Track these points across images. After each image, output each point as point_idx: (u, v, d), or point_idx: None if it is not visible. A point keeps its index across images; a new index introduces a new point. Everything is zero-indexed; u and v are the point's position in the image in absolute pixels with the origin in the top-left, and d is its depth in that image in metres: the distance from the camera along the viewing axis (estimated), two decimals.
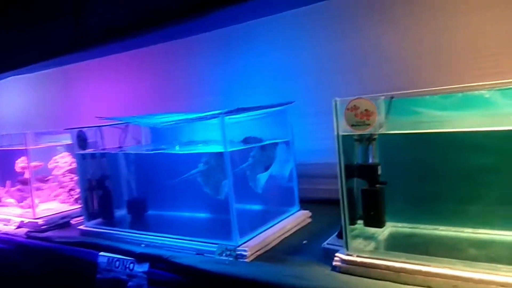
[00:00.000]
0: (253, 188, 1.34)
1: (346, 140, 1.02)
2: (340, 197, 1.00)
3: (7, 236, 1.66)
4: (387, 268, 0.92)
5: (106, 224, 1.55)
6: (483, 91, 0.99)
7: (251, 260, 1.14)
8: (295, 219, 1.39)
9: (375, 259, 0.95)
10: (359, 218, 1.07)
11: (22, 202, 1.92)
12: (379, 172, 1.04)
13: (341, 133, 0.98)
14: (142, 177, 1.62)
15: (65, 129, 1.55)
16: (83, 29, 1.64)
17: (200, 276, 1.11)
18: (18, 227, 1.73)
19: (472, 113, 1.04)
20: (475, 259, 0.91)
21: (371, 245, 1.04)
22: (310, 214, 1.45)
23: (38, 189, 1.93)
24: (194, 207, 1.51)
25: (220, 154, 1.16)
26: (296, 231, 1.36)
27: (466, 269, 0.84)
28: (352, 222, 1.04)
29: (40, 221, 1.68)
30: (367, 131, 0.95)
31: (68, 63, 2.22)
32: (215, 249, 1.19)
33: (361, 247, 1.02)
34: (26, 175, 1.89)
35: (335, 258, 1.00)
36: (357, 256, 0.97)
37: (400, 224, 1.16)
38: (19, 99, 2.92)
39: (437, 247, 1.01)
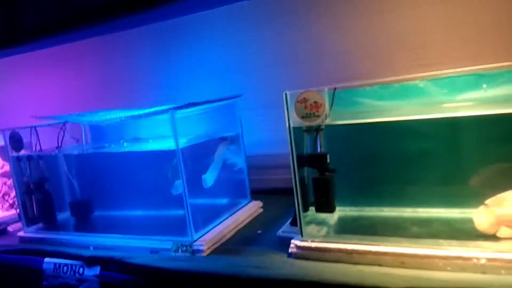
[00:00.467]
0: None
1: (296, 132, 1.06)
2: (294, 185, 1.03)
3: None
4: (340, 250, 0.97)
5: (48, 228, 1.47)
6: (417, 81, 1.08)
7: (208, 254, 1.14)
8: (248, 210, 1.41)
9: (328, 242, 1.00)
10: (311, 205, 1.12)
11: None
12: (328, 160, 1.08)
13: (292, 125, 1.01)
14: (85, 177, 1.55)
15: None
16: (16, 25, 1.52)
17: (156, 275, 1.09)
18: None
19: (409, 102, 1.12)
20: (418, 236, 0.99)
21: (324, 230, 1.09)
22: (261, 204, 1.48)
23: None
24: (143, 205, 1.47)
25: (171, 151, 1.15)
26: (249, 222, 1.38)
27: (411, 246, 0.91)
28: (305, 209, 1.08)
29: None
30: (316, 122, 0.99)
31: None
32: (170, 246, 1.17)
33: (314, 232, 1.07)
34: None
35: (291, 245, 1.04)
36: (312, 242, 1.01)
37: (348, 208, 1.22)
38: None
39: (383, 227, 1.08)
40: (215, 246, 1.18)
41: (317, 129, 1.12)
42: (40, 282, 1.26)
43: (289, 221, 1.20)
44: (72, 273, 1.22)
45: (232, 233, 1.28)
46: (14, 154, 1.45)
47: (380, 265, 0.94)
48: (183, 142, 1.16)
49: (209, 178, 1.31)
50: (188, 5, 1.63)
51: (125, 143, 1.49)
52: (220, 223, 1.29)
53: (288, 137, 1.02)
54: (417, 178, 1.15)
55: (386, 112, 1.12)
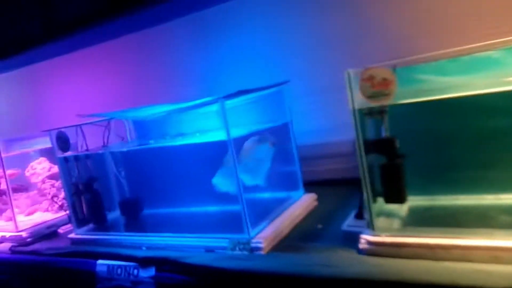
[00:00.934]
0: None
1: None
2: (361, 174, 0.93)
3: None
4: (420, 245, 0.87)
5: (98, 229, 1.44)
6: (490, 52, 0.94)
7: (267, 252, 1.06)
8: (302, 203, 1.32)
9: (406, 237, 0.89)
10: (378, 195, 1.01)
11: (0, 215, 1.77)
12: (398, 145, 0.97)
13: (357, 107, 0.91)
14: (133, 175, 1.50)
15: (43, 131, 1.42)
16: (52, 20, 1.50)
17: (214, 275, 1.03)
18: (0, 242, 1.59)
19: (481, 76, 0.99)
20: (511, 226, 0.86)
21: (396, 222, 0.98)
22: (316, 196, 1.39)
23: (16, 199, 1.79)
24: (194, 201, 1.41)
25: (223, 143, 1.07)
26: (305, 216, 1.29)
27: (506, 238, 0.80)
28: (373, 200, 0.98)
29: (24, 234, 1.54)
30: (387, 101, 0.88)
31: (35, 60, 2.05)
32: (226, 244, 1.10)
33: (386, 225, 0.96)
34: (3, 186, 1.74)
35: (361, 241, 0.94)
36: (385, 236, 0.91)
37: (416, 198, 1.11)
38: None
39: (465, 217, 0.96)
40: (273, 243, 1.10)
41: (380, 111, 1.01)
42: (93, 285, 1.23)
43: (354, 214, 1.10)
44: (126, 275, 1.17)
45: (289, 228, 1.19)
46: (62, 154, 1.43)
47: (470, 261, 0.82)
48: (235, 132, 1.08)
49: (222, 182, 1.22)
50: None
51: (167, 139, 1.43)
52: (275, 218, 1.20)
53: (352, 121, 0.92)
54: (497, 160, 1.02)
55: (455, 88, 1.00)
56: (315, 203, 1.38)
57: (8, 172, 1.67)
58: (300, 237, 1.13)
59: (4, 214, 1.77)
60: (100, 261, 1.23)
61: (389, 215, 1.02)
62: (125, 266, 1.18)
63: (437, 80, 1.02)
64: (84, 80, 2.13)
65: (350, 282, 0.86)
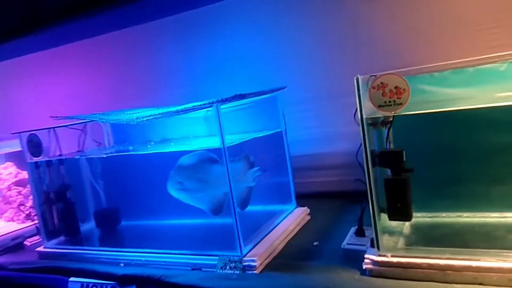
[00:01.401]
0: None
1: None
2: (368, 189, 0.87)
3: None
4: (431, 266, 0.81)
5: (71, 242, 1.32)
6: (495, 65, 0.90)
7: (261, 271, 0.98)
8: (295, 218, 1.25)
9: (414, 257, 0.83)
10: (380, 211, 0.95)
11: None
12: (404, 158, 0.92)
13: (365, 116, 0.85)
14: (111, 184, 1.39)
15: (13, 133, 1.29)
16: (31, 12, 1.38)
17: None
18: None
19: (487, 89, 0.95)
20: None
21: (401, 241, 0.92)
22: (308, 210, 1.32)
23: None
24: (177, 214, 1.31)
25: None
26: (298, 231, 1.21)
27: None
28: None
29: None
30: (399, 111, 0.82)
31: (6, 56, 1.90)
32: (215, 262, 1.01)
33: (391, 244, 0.90)
34: None
35: (366, 261, 0.87)
36: (392, 256, 0.85)
37: (418, 214, 1.05)
38: None
39: (472, 237, 0.91)
40: (267, 261, 1.02)
41: (384, 121, 0.95)
42: None
43: (353, 231, 1.04)
44: None
45: (282, 245, 1.11)
46: (33, 159, 1.30)
47: (482, 284, 0.77)
48: (229, 140, 1.00)
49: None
50: None
51: (149, 145, 1.33)
52: (268, 234, 1.12)
53: (360, 131, 0.86)
54: (502, 176, 0.98)
55: (460, 101, 0.95)
56: (308, 217, 1.30)
57: None
58: (295, 255, 1.05)
59: None
60: (72, 279, 1.12)
61: (391, 232, 0.96)
62: (101, 285, 1.07)
63: (441, 92, 0.97)
64: (58, 80, 1.99)
65: None
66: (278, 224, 1.19)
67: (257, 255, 0.99)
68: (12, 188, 1.73)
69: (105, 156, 1.29)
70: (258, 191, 1.21)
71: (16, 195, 1.71)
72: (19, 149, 1.69)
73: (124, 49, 1.84)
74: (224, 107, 1.01)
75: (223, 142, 0.98)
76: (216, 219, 1.19)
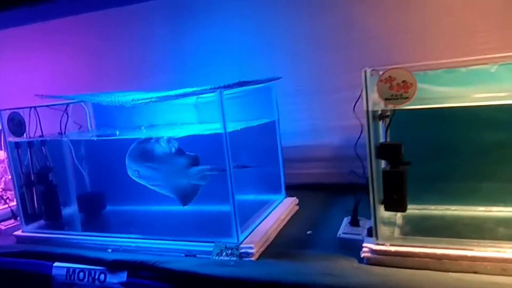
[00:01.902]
0: None
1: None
2: (369, 180, 0.89)
3: None
4: (427, 255, 0.84)
5: (52, 227, 1.26)
6: (487, 66, 0.95)
7: (257, 259, 0.98)
8: (285, 207, 1.26)
9: (412, 246, 0.86)
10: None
11: None
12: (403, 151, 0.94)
13: (371, 109, 0.86)
14: (96, 168, 1.34)
15: None
16: None
17: (199, 282, 0.92)
18: None
19: (479, 88, 0.99)
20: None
21: (396, 231, 0.95)
22: (297, 201, 1.33)
23: None
24: (163, 199, 1.28)
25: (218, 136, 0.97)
26: (288, 221, 1.23)
27: None
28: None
29: None
30: (404, 105, 0.84)
31: None
32: (209, 249, 1.01)
33: (388, 234, 0.92)
34: None
35: (364, 249, 0.89)
36: (390, 245, 0.87)
37: (409, 206, 1.08)
38: None
39: (464, 229, 0.95)
40: (262, 249, 1.02)
41: (382, 115, 0.97)
42: None
43: (346, 221, 1.06)
44: (90, 280, 1.03)
45: (274, 234, 1.12)
46: (14, 139, 1.24)
47: (476, 272, 0.81)
48: (231, 126, 0.99)
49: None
50: None
51: (144, 130, 1.30)
52: (260, 222, 1.13)
53: (366, 123, 0.87)
54: (490, 172, 1.03)
55: (453, 99, 0.99)
56: (296, 207, 1.32)
57: None
58: (289, 243, 1.06)
59: None
60: (57, 264, 1.07)
61: (385, 223, 0.99)
62: (89, 270, 1.04)
63: (434, 90, 1.01)
64: (38, 58, 1.89)
65: None
66: (269, 213, 1.19)
67: (254, 242, 0.99)
68: None
69: (95, 139, 1.25)
70: (249, 180, 1.21)
71: None
72: None
73: (110, 31, 1.77)
74: (226, 93, 1.00)
75: (224, 127, 0.97)
76: (207, 206, 1.19)
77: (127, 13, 1.74)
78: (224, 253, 0.99)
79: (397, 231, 0.95)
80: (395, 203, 0.94)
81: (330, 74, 1.45)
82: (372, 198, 0.89)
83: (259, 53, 1.54)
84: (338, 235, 1.00)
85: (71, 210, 1.33)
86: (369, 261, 0.89)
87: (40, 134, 1.31)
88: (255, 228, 1.08)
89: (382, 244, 0.88)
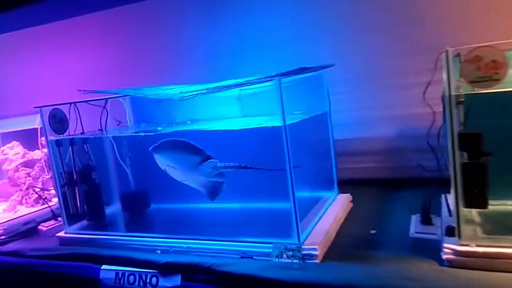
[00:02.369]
0: None
1: None
2: (452, 173, 0.80)
3: None
4: None
5: (95, 227, 1.21)
6: None
7: (322, 261, 0.90)
8: (340, 205, 1.17)
9: (501, 247, 0.76)
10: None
11: None
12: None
13: (453, 93, 0.77)
14: (140, 165, 1.28)
15: (35, 107, 1.17)
16: None
17: (260, 287, 0.85)
18: None
19: None
20: None
21: (478, 230, 0.86)
22: (351, 197, 1.24)
23: None
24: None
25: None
26: (345, 219, 1.14)
27: None
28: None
29: None
30: (493, 88, 0.75)
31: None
32: (267, 250, 0.93)
33: (470, 233, 0.83)
34: None
35: (445, 250, 0.80)
36: (477, 246, 0.78)
37: None
38: None
39: None
40: (324, 250, 0.94)
41: (459, 101, 0.88)
42: None
43: (415, 219, 0.97)
44: (141, 284, 0.97)
45: (334, 233, 1.04)
46: (54, 137, 1.19)
47: None
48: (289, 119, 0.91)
49: None
50: None
51: (194, 125, 1.23)
52: (318, 221, 1.05)
53: (447, 109, 0.78)
54: None
55: None
56: (351, 205, 1.23)
57: None
58: (353, 243, 0.98)
59: None
60: (105, 267, 1.02)
61: (464, 221, 0.89)
62: (140, 273, 0.98)
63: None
64: (68, 54, 1.86)
65: None
66: (325, 211, 1.11)
67: (317, 243, 0.91)
68: (20, 169, 1.61)
69: (155, 133, 1.18)
70: (301, 176, 1.13)
71: (25, 177, 1.59)
72: (29, 126, 1.60)
73: (143, 23, 1.72)
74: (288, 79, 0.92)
75: (284, 119, 0.89)
76: (256, 204, 1.12)
77: (157, 4, 1.69)
78: (284, 255, 0.91)
79: (479, 230, 0.85)
80: (476, 198, 0.85)
81: (381, 61, 1.35)
82: (455, 194, 0.80)
83: (301, 40, 1.46)
84: (410, 234, 0.91)
85: (113, 209, 1.27)
86: (451, 264, 0.80)
87: (81, 131, 1.26)
88: (314, 227, 1.00)
89: (467, 245, 0.79)
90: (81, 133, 1.26)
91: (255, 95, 1.23)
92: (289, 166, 0.91)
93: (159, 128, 1.32)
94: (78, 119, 1.25)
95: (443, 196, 1.05)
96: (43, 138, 1.56)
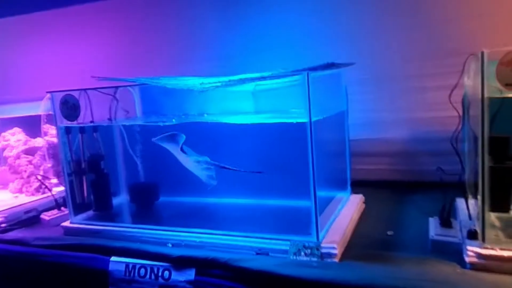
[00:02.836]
0: None
1: None
2: (480, 177, 0.79)
3: None
4: None
5: (102, 218, 1.18)
6: None
7: (341, 260, 0.89)
8: (354, 205, 1.16)
9: None
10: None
11: None
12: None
13: (487, 95, 0.76)
14: (150, 156, 1.26)
15: (48, 91, 1.14)
16: None
17: (279, 285, 0.84)
18: None
19: None
20: None
21: (500, 234, 0.85)
22: (363, 198, 1.23)
23: None
24: (225, 191, 1.18)
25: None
26: (359, 219, 1.13)
27: None
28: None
29: None
30: None
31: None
32: (283, 247, 0.91)
33: (493, 237, 0.83)
34: None
35: (469, 253, 0.80)
36: (501, 249, 0.77)
37: None
38: None
39: None
40: (342, 249, 0.93)
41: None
42: (105, 286, 0.99)
43: (434, 222, 0.96)
44: (153, 277, 0.95)
45: (350, 233, 1.03)
46: (66, 124, 1.16)
47: None
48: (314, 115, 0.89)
49: None
50: None
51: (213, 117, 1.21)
52: (333, 220, 1.03)
53: (480, 112, 0.77)
54: None
55: None
56: (363, 205, 1.22)
57: None
58: (370, 244, 0.97)
59: None
60: (114, 258, 0.99)
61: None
62: (151, 266, 0.95)
63: None
64: (78, 42, 1.82)
65: None
66: (340, 211, 1.10)
67: (336, 242, 0.90)
68: (22, 156, 1.57)
69: (171, 124, 1.15)
70: (318, 175, 1.12)
71: (26, 165, 1.55)
72: (31, 113, 1.56)
73: (157, 16, 1.69)
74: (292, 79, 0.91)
75: (310, 115, 0.88)
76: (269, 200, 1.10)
77: None
78: (302, 253, 0.90)
79: (501, 234, 0.85)
80: (500, 203, 0.85)
81: (401, 61, 1.35)
82: (481, 198, 0.79)
83: (319, 38, 1.44)
84: (430, 237, 0.90)
85: (120, 200, 1.24)
86: (474, 267, 0.79)
87: (91, 119, 1.23)
88: (330, 226, 0.99)
89: (491, 249, 0.78)
90: (91, 122, 1.23)
91: (270, 91, 1.21)
92: (312, 165, 0.89)
93: (173, 120, 1.30)
94: (88, 106, 1.22)
95: (457, 199, 1.04)
96: (45, 125, 1.53)
